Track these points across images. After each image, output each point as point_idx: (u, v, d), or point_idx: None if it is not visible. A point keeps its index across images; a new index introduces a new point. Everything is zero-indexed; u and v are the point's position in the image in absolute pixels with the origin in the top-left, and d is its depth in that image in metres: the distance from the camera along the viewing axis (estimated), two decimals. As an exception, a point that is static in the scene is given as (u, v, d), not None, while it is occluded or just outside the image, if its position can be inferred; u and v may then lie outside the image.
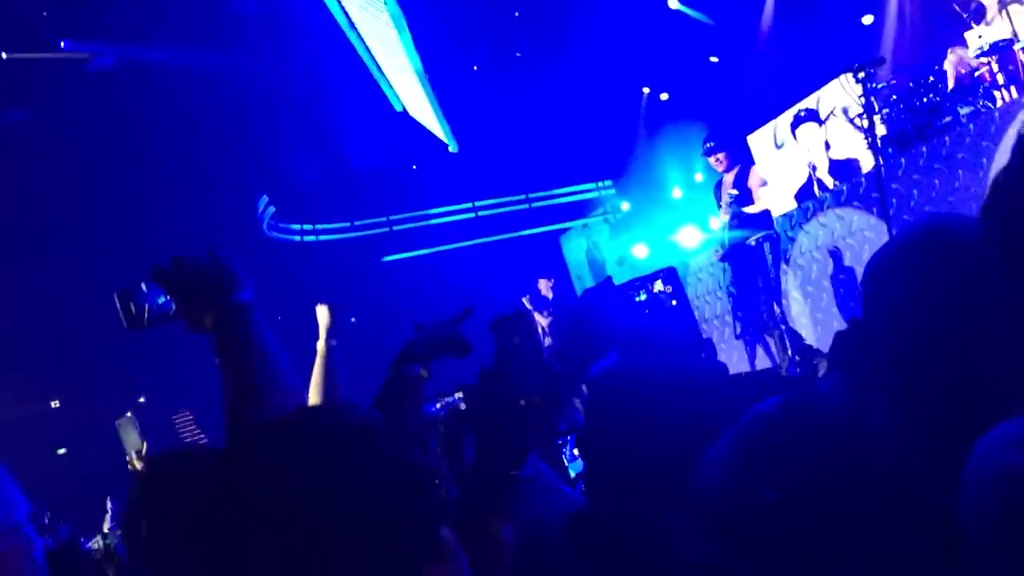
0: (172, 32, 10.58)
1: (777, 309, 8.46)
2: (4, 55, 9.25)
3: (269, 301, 1.85)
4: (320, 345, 3.87)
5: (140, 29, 10.36)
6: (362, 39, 12.30)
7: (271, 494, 0.95)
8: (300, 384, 1.61)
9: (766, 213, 8.59)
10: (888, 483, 1.04)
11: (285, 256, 13.23)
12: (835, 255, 9.44)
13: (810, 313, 9.68)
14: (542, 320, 10.65)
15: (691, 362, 2.02)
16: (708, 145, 8.53)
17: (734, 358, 9.80)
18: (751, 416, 1.15)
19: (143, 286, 1.62)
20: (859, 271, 8.94)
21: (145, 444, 4.65)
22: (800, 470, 1.06)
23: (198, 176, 10.99)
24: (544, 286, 11.04)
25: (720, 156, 8.49)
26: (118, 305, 1.62)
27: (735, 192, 8.31)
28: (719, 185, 8.75)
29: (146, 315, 1.60)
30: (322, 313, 3.92)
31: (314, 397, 3.75)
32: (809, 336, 9.32)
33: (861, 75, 6.40)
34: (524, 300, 10.78)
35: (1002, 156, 5.64)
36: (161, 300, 1.62)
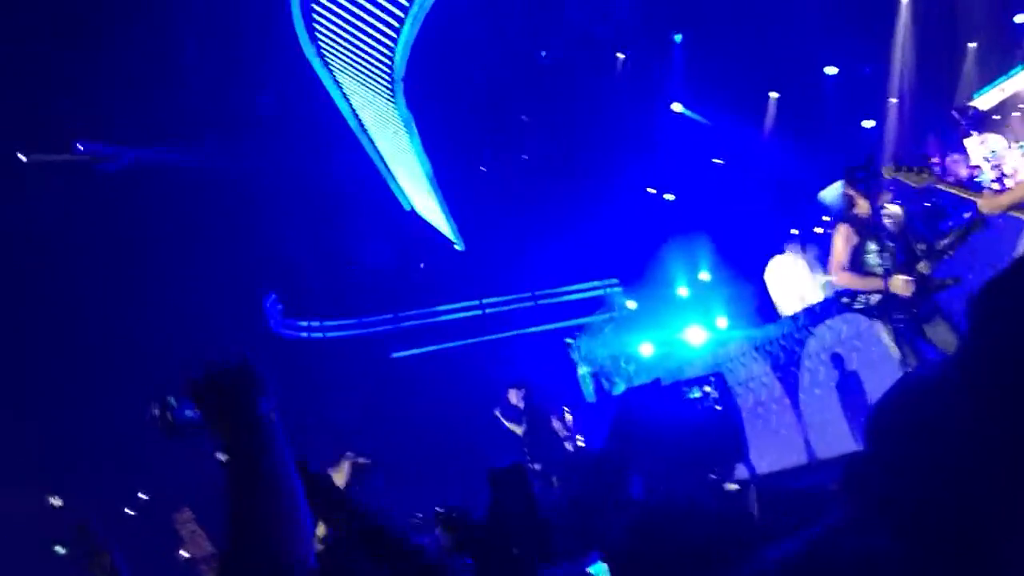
0: (186, 132, 10.86)
1: None
2: (24, 157, 9.50)
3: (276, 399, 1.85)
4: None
5: (154, 129, 10.64)
6: (372, 141, 12.60)
7: None
8: (305, 512, 1.59)
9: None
10: None
11: (292, 353, 13.26)
12: (839, 360, 9.47)
13: (818, 415, 9.67)
14: (516, 429, 10.40)
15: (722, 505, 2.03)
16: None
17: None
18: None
19: (171, 399, 1.65)
20: (866, 374, 8.97)
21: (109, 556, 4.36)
22: None
23: (208, 272, 11.11)
24: (514, 396, 10.72)
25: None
26: (156, 414, 1.64)
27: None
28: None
29: (181, 426, 1.62)
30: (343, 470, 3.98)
31: None
32: (818, 439, 9.31)
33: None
34: (496, 413, 10.57)
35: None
36: (189, 413, 1.64)
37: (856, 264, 6.30)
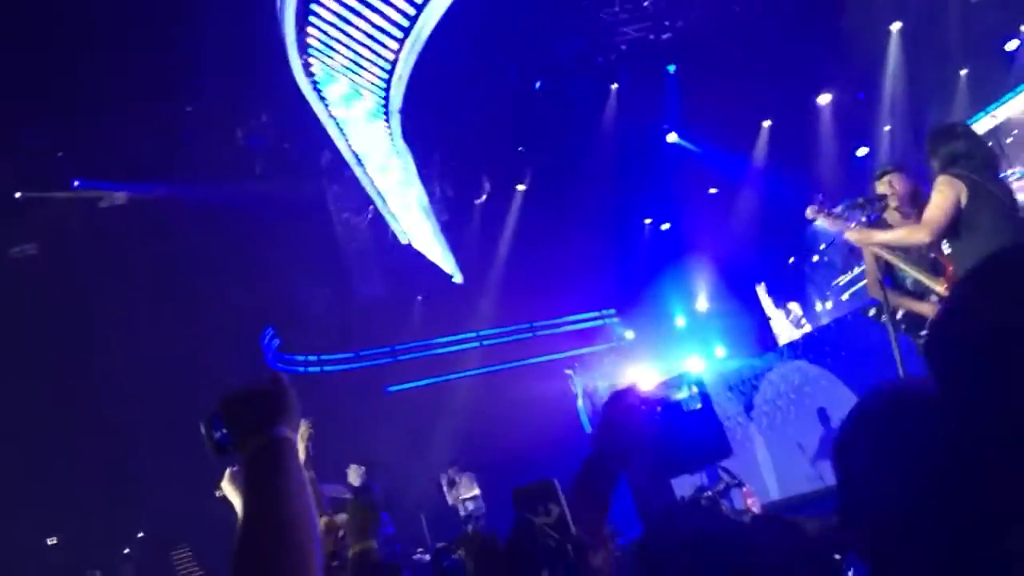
0: (181, 169, 10.87)
1: None
2: (18, 194, 9.49)
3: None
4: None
5: (150, 167, 10.65)
6: (369, 176, 12.61)
7: None
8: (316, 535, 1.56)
9: None
10: None
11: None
12: (794, 404, 9.62)
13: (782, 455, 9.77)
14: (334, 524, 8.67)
15: (742, 524, 2.00)
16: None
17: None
18: None
19: (211, 420, 1.65)
20: (816, 419, 9.01)
21: None
22: None
23: (205, 308, 11.07)
24: (353, 473, 9.13)
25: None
26: (203, 433, 1.66)
27: None
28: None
29: (223, 445, 1.62)
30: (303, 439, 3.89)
31: None
32: (786, 478, 9.43)
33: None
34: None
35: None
36: (218, 434, 1.65)
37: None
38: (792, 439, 9.69)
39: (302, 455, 4.17)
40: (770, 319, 12.68)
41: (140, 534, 11.38)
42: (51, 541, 11.09)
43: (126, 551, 11.43)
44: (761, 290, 13.07)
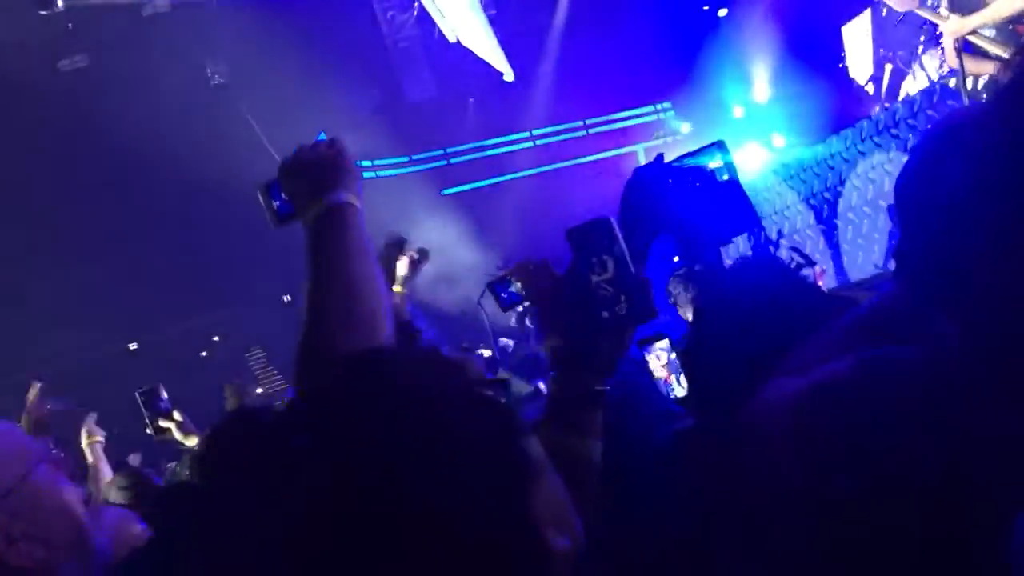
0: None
1: None
2: (60, 3, 9.34)
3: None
4: (396, 290, 3.84)
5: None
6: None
7: (361, 436, 0.88)
8: (387, 305, 1.52)
9: None
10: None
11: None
12: (880, 182, 9.30)
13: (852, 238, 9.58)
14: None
15: (801, 277, 1.96)
16: None
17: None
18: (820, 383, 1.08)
19: (268, 186, 1.62)
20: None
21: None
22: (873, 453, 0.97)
23: (254, 114, 11.03)
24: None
25: None
26: (261, 202, 1.64)
27: None
28: None
29: (284, 215, 1.60)
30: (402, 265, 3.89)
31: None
32: (851, 262, 9.32)
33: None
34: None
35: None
36: (277, 202, 1.62)
37: None
38: (854, 225, 9.55)
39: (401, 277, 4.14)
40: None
41: (216, 338, 11.90)
42: (132, 346, 11.67)
43: (203, 354, 11.98)
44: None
